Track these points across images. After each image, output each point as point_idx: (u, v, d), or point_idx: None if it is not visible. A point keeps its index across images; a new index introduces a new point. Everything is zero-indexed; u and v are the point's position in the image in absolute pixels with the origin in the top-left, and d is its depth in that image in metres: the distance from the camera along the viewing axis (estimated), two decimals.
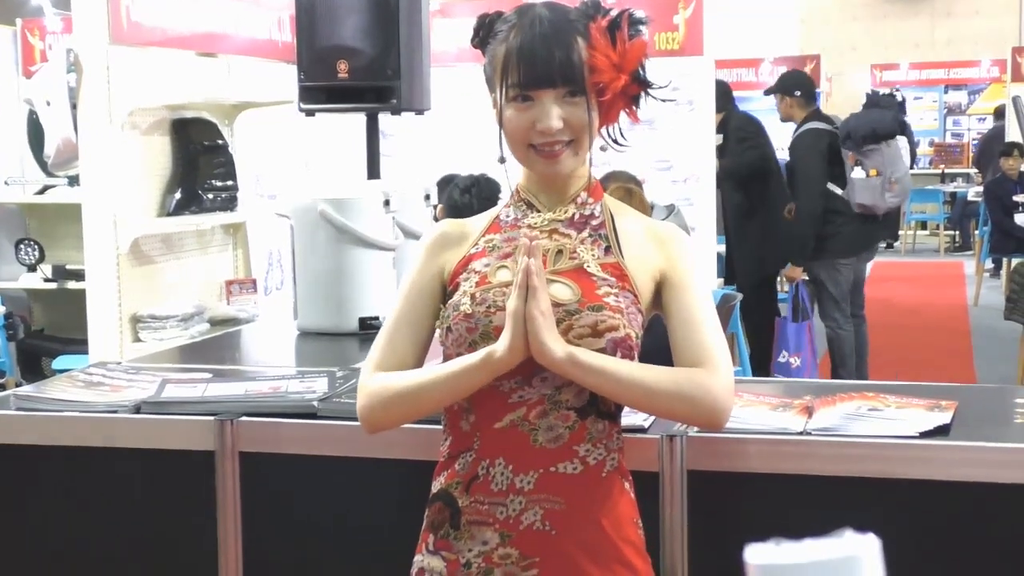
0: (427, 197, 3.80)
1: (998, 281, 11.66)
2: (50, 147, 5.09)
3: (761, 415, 2.17)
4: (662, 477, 2.09)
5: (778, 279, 7.42)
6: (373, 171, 4.22)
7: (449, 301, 1.86)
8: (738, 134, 7.14)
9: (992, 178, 11.73)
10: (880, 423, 2.11)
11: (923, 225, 16.43)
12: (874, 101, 7.09)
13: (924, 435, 2.05)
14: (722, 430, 1.92)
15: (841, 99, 15.47)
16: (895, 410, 2.19)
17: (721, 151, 7.06)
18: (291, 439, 2.29)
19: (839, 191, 6.66)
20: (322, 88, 3.93)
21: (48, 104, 5.00)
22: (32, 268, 6.20)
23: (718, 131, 7.10)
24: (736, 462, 2.09)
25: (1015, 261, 8.52)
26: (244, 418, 2.31)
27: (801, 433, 2.09)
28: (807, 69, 13.74)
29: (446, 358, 1.84)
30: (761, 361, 6.71)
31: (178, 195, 4.73)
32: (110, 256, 4.38)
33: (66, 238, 6.05)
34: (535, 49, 1.80)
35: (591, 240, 1.88)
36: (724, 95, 7.32)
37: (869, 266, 7.55)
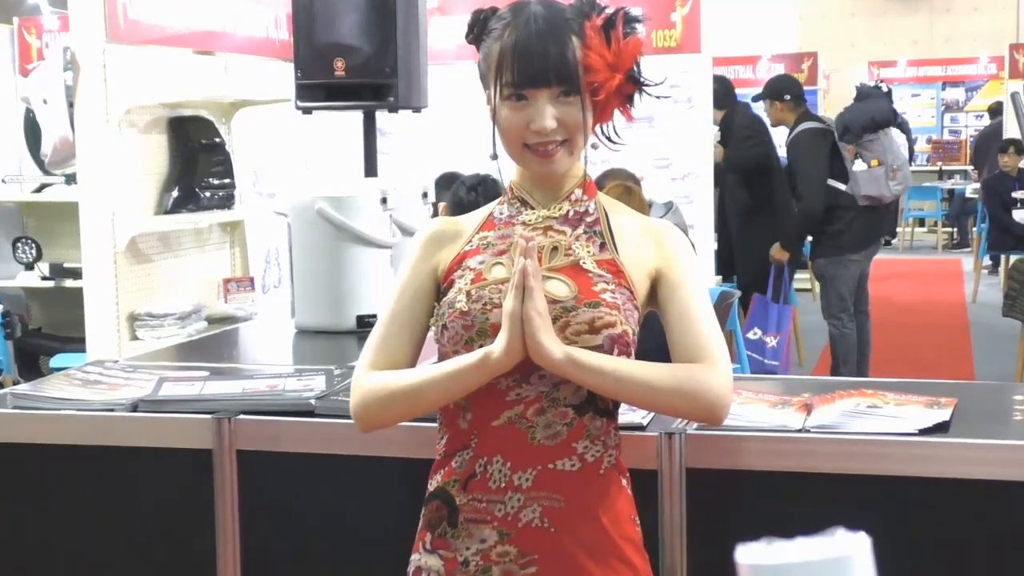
0: (425, 195, 3.79)
1: (996, 278, 11.66)
2: (47, 145, 5.07)
3: (760, 412, 2.17)
4: (661, 475, 2.09)
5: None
6: (370, 169, 4.22)
7: (444, 298, 1.85)
8: (744, 131, 7.16)
9: (991, 174, 11.74)
10: (879, 420, 2.11)
11: (921, 222, 16.43)
12: (865, 93, 7.09)
13: (923, 432, 2.05)
14: (721, 427, 1.92)
15: (839, 96, 15.42)
16: (894, 407, 2.18)
17: (723, 147, 7.08)
18: (289, 437, 2.29)
19: (842, 187, 6.65)
20: (319, 86, 3.92)
21: (45, 102, 4.99)
22: (29, 266, 6.19)
23: (720, 128, 7.11)
24: (735, 459, 2.09)
25: (1013, 258, 8.51)
26: (241, 416, 2.31)
27: (800, 430, 2.09)
28: (805, 66, 13.76)
29: (442, 356, 1.84)
30: None
31: (175, 193, 4.72)
32: (107, 254, 4.37)
33: (63, 236, 6.03)
34: (530, 48, 1.79)
35: (586, 237, 1.87)
36: (727, 92, 7.33)
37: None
